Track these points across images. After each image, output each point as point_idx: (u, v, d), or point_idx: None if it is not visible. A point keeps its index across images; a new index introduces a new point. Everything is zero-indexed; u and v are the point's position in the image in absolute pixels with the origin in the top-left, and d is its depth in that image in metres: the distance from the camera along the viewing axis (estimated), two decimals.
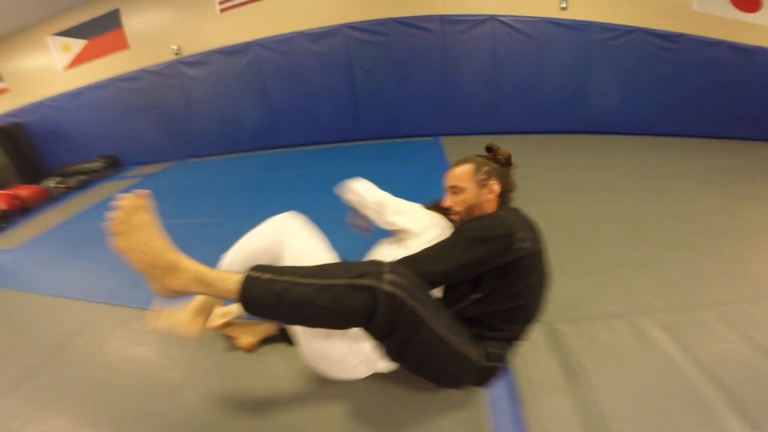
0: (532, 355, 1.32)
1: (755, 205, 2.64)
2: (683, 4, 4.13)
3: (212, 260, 2.25)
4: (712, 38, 4.09)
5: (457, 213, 1.21)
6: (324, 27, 4.16)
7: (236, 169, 4.31)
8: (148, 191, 0.83)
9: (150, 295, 2.01)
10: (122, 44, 4.69)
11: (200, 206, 3.34)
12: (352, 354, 1.01)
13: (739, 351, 1.32)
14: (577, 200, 2.75)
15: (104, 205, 3.79)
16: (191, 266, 0.84)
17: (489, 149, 1.26)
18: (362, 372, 1.08)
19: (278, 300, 0.81)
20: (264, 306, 0.83)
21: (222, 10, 4.33)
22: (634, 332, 1.43)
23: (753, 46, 4.09)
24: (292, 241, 1.11)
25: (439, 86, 4.36)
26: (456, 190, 1.20)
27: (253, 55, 4.31)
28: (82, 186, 4.73)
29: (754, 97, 4.30)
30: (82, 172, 4.99)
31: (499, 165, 1.21)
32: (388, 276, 0.83)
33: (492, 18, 4.06)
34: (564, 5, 4.08)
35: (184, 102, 4.74)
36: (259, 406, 1.19)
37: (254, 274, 0.84)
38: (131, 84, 4.73)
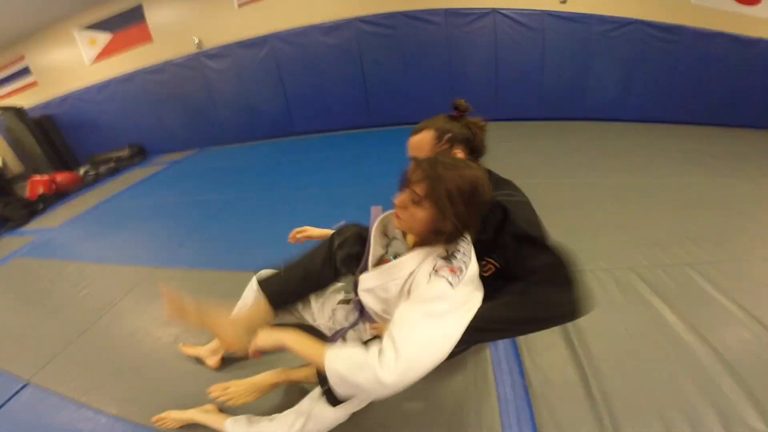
0: None
1: (742, 182, 2.82)
2: None
3: (245, 230, 2.51)
4: (711, 30, 4.18)
5: None
6: (336, 20, 4.39)
7: (256, 154, 4.61)
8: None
9: (184, 256, 2.29)
10: (146, 37, 4.96)
11: (227, 185, 3.64)
12: None
13: (711, 298, 1.52)
14: (573, 175, 2.98)
15: (136, 188, 4.11)
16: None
17: (456, 107, 1.10)
18: None
19: None
20: None
21: (240, 5, 4.58)
22: (618, 284, 1.65)
23: (753, 38, 4.17)
24: None
25: (444, 76, 4.56)
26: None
27: (271, 48, 4.56)
28: (112, 173, 5.07)
29: (755, 87, 4.39)
30: (111, 160, 5.33)
31: (467, 128, 1.08)
32: None
33: (494, 11, 4.24)
34: None
35: (206, 93, 5.03)
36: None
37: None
38: (156, 76, 5.03)
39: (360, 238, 1.10)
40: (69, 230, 3.24)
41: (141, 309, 1.85)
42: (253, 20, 4.57)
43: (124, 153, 5.49)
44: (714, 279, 1.64)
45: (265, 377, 1.15)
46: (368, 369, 0.72)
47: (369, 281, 0.96)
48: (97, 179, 4.89)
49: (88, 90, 5.41)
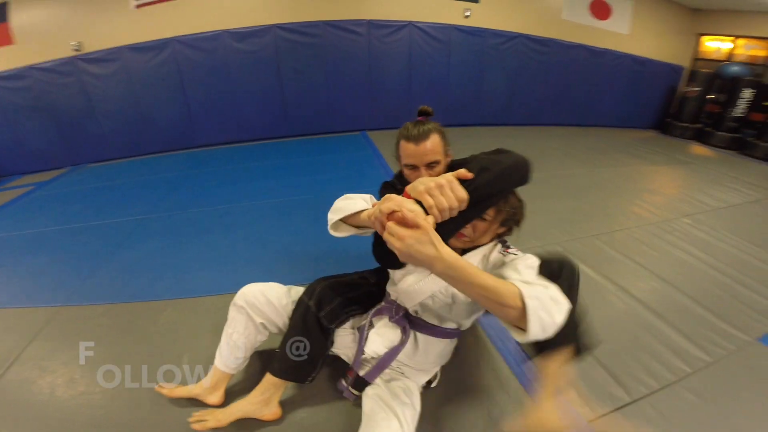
0: None
1: (605, 171, 3.62)
2: (554, 13, 5.10)
3: (175, 252, 2.24)
4: (574, 42, 5.15)
5: None
6: (253, 26, 4.17)
7: (155, 169, 4.06)
8: None
9: (96, 290, 1.92)
10: (5, 40, 4.04)
11: (129, 205, 3.13)
12: None
13: (617, 260, 1.96)
14: None
15: None
16: None
17: (426, 113, 1.13)
18: None
19: None
20: None
21: (138, 6, 4.03)
22: None
23: (603, 49, 5.27)
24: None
25: (365, 84, 4.70)
26: (434, 164, 1.09)
27: (171, 52, 4.11)
28: None
29: (605, 92, 5.53)
30: None
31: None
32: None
33: (410, 24, 4.55)
34: (467, 14, 4.76)
35: (83, 101, 4.26)
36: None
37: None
38: (13, 83, 4.09)
39: (332, 290, 1.10)
40: None
41: (63, 354, 1.49)
42: (153, 23, 4.06)
43: None
44: (613, 245, 2.10)
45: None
46: (561, 305, 0.71)
47: (430, 285, 1.01)
48: None
49: None
